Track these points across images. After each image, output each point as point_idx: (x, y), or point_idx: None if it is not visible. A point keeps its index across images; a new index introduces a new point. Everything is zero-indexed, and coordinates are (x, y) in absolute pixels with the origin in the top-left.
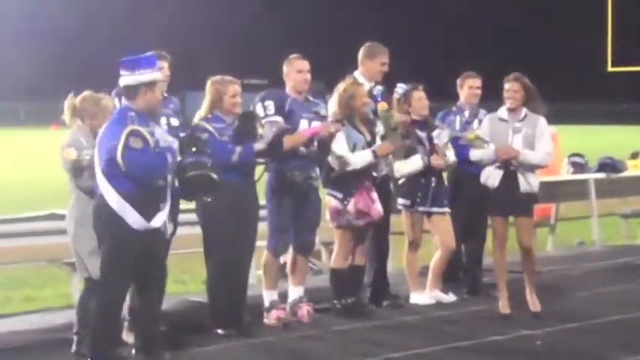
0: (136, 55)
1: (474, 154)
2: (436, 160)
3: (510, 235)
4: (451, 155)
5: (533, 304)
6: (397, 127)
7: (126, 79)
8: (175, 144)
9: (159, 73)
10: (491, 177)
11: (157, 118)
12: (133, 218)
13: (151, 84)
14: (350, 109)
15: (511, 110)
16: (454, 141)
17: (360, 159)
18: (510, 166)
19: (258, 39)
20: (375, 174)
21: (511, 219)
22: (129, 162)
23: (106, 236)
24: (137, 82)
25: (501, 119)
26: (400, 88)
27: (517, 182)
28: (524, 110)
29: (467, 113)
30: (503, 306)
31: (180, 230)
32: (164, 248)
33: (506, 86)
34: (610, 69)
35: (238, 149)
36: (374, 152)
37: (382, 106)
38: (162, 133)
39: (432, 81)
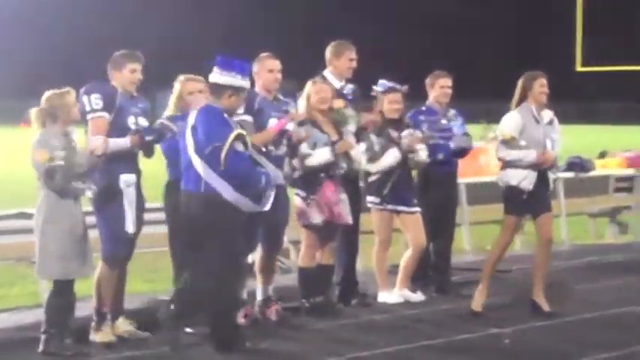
0: (233, 57)
1: (510, 154)
2: (413, 141)
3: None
4: (424, 153)
5: (544, 304)
6: (351, 124)
7: (217, 77)
8: (279, 175)
9: (248, 82)
10: (527, 179)
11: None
12: (247, 203)
13: (239, 90)
14: (314, 108)
15: (539, 108)
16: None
17: (318, 157)
18: (545, 169)
19: (230, 37)
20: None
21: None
22: (231, 164)
23: (217, 228)
24: (227, 84)
25: (535, 119)
26: (381, 85)
27: (547, 182)
28: (548, 111)
29: (439, 113)
30: (477, 304)
31: (148, 229)
32: None
33: (541, 82)
34: (579, 69)
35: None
36: (332, 150)
37: (338, 104)
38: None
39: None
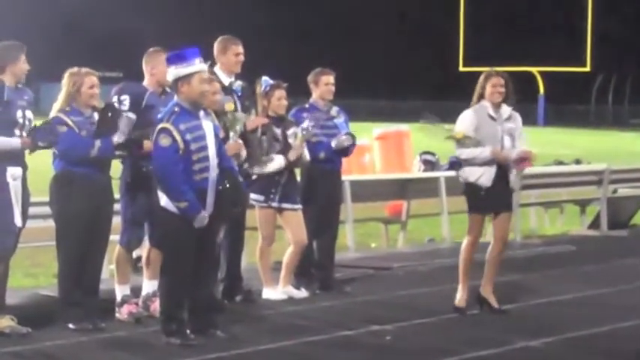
0: (178, 50)
1: (464, 153)
2: (293, 155)
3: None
4: (305, 153)
5: (494, 301)
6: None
7: (169, 74)
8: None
9: (195, 66)
10: (484, 175)
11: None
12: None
13: (186, 77)
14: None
15: (495, 106)
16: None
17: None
18: (504, 166)
19: (114, 32)
20: None
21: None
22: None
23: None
24: (174, 76)
25: (490, 116)
26: (264, 82)
27: (507, 179)
28: (507, 107)
29: (324, 110)
30: (461, 301)
31: (31, 223)
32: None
33: (493, 81)
34: (461, 69)
35: (97, 143)
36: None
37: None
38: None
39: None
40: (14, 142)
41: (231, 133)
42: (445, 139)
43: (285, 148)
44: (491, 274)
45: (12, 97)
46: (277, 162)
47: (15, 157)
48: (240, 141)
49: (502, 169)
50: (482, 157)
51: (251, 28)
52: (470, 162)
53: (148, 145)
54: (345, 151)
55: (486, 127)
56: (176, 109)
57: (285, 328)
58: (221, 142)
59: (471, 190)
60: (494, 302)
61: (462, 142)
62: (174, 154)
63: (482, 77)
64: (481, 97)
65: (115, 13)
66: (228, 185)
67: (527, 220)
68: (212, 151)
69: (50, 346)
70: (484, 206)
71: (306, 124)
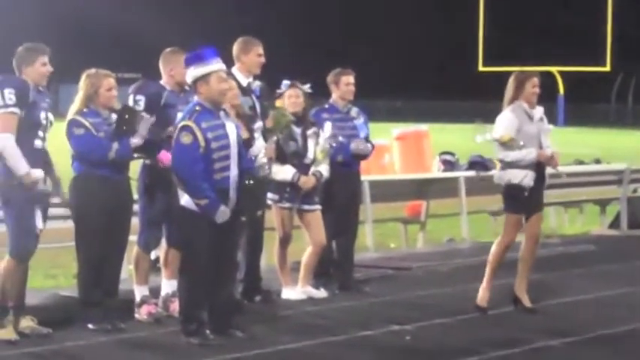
0: (197, 50)
1: (509, 155)
2: (306, 183)
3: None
4: (325, 169)
5: (527, 300)
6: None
7: (188, 75)
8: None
9: (213, 65)
10: (528, 176)
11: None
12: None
13: (204, 77)
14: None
15: (531, 106)
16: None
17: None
18: (543, 167)
19: (131, 32)
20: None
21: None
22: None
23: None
24: (193, 77)
25: (529, 116)
26: (284, 85)
27: (543, 180)
28: (539, 108)
29: (342, 110)
30: (483, 300)
31: (51, 224)
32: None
33: (533, 81)
34: (481, 69)
35: (115, 146)
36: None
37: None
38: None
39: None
40: (24, 169)
41: (266, 135)
42: (491, 141)
43: (303, 149)
44: (525, 273)
45: (37, 99)
46: (286, 173)
47: (37, 159)
48: (268, 145)
49: (541, 169)
50: (529, 159)
51: (268, 29)
52: (515, 164)
53: (165, 156)
54: (363, 156)
55: (526, 127)
56: (197, 108)
57: (304, 328)
58: (242, 143)
59: (512, 192)
60: (527, 302)
61: (508, 144)
62: (195, 152)
63: (519, 77)
64: (516, 97)
65: (133, 13)
66: (252, 182)
67: (547, 219)
68: (233, 151)
69: (70, 346)
70: (525, 207)
71: (328, 129)
